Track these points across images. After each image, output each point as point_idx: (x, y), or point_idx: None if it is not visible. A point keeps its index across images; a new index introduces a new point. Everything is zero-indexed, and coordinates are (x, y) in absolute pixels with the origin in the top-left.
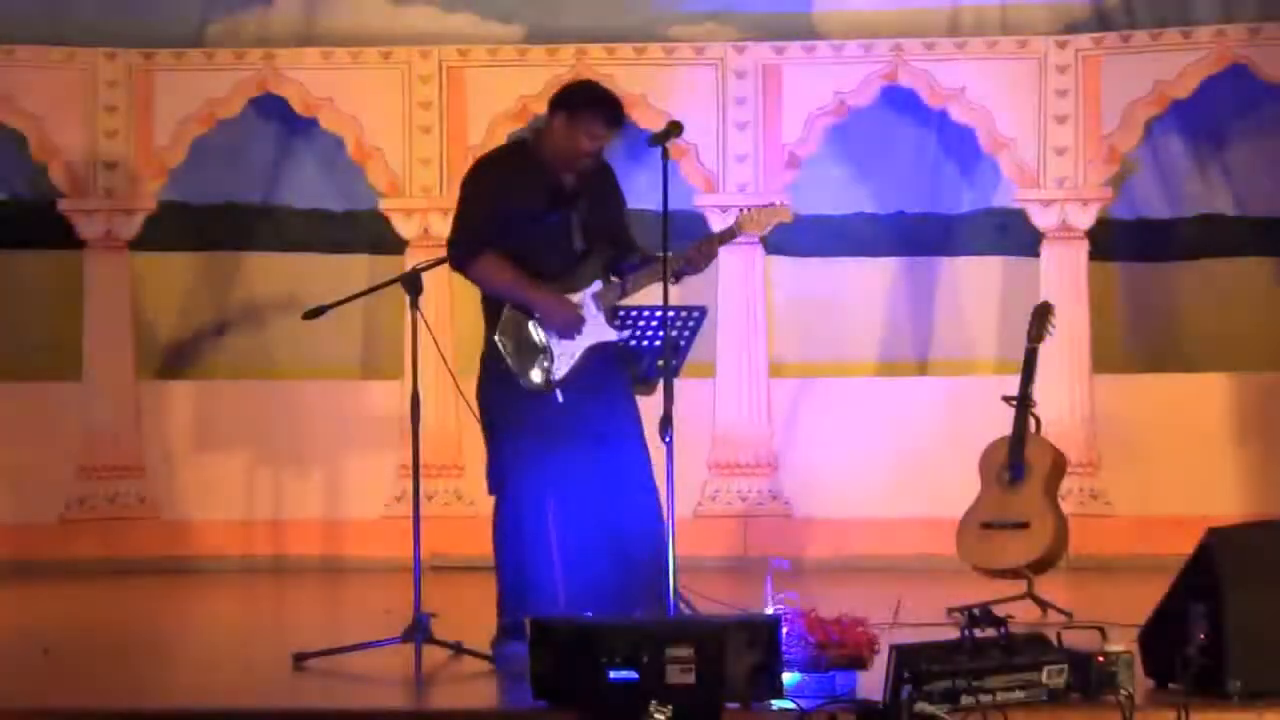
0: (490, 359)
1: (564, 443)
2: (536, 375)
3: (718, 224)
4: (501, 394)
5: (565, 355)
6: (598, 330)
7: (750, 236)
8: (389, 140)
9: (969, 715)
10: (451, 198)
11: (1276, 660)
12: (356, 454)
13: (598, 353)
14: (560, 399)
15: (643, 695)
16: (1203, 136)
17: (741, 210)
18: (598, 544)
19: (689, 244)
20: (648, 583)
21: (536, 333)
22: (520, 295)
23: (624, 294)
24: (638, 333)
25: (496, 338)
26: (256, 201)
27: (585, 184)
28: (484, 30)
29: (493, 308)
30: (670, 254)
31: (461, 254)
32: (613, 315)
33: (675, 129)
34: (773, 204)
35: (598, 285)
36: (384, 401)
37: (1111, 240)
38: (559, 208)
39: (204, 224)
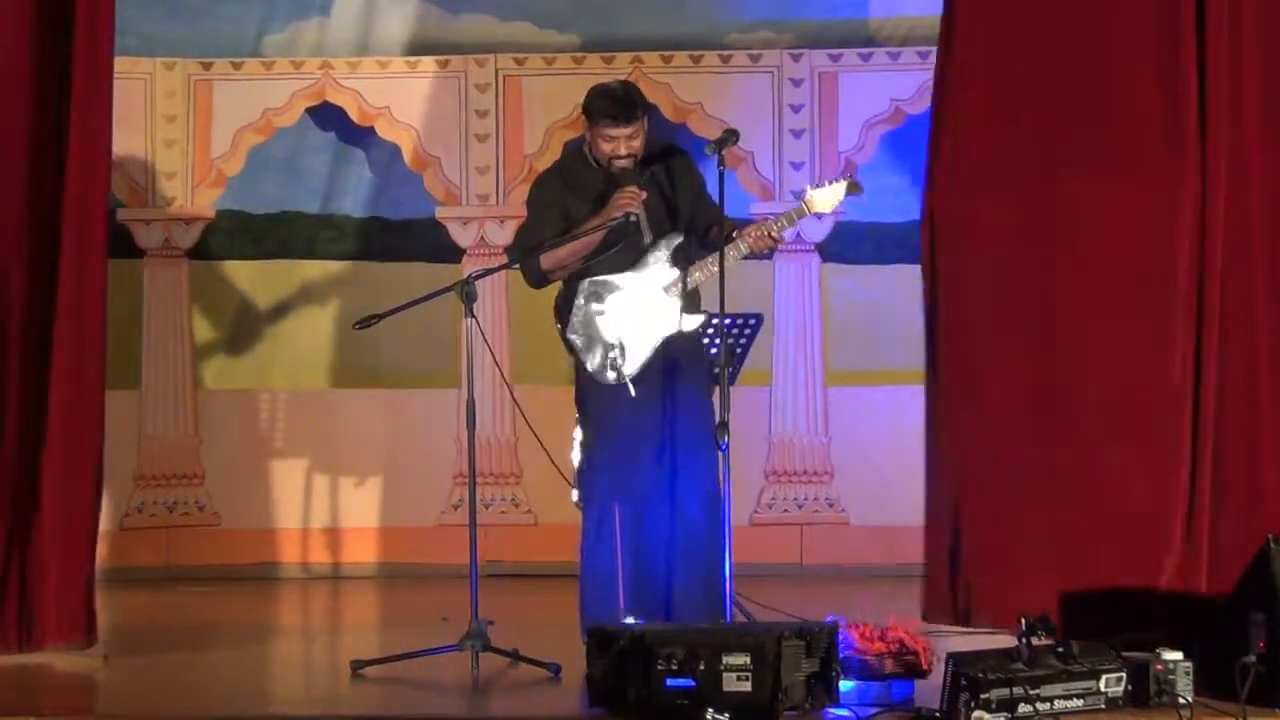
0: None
1: (637, 444)
2: (610, 371)
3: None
4: (583, 394)
5: (639, 349)
6: (674, 320)
7: (808, 240)
8: (446, 148)
9: None
10: (508, 206)
11: None
12: (412, 462)
13: (673, 347)
14: (633, 394)
15: (699, 703)
16: None
17: (806, 189)
18: (661, 550)
19: (750, 226)
20: (705, 591)
21: (607, 328)
22: (584, 239)
23: (687, 287)
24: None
25: (569, 336)
26: (314, 210)
27: (650, 178)
28: (540, 39)
29: (563, 307)
30: (732, 241)
31: (524, 267)
32: (688, 304)
33: (732, 137)
34: (838, 178)
35: (672, 275)
36: (440, 409)
37: None
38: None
39: (261, 233)
